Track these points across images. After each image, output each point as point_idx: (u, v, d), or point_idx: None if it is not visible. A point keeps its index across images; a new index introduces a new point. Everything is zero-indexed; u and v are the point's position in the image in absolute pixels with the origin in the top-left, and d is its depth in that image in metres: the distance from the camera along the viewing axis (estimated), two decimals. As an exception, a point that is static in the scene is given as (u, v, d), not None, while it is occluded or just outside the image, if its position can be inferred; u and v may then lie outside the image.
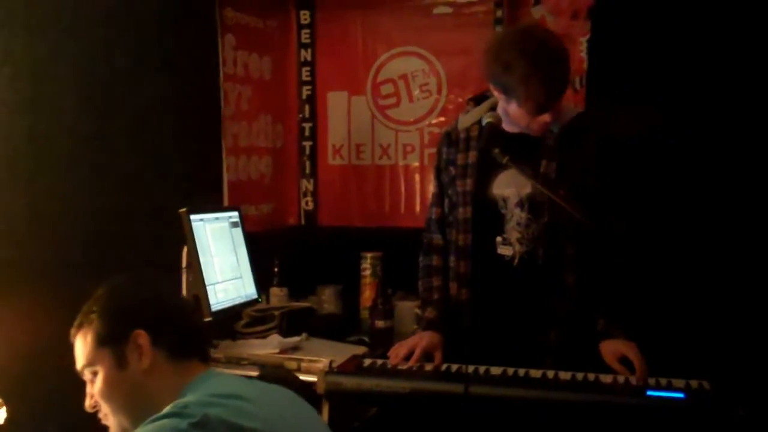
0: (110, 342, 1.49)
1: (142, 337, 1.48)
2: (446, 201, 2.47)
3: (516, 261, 2.34)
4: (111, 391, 1.50)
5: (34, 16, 2.33)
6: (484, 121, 2.31)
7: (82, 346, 1.53)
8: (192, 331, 1.57)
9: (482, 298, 2.39)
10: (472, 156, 2.39)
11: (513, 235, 2.34)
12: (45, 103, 2.37)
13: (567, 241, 2.31)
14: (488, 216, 2.36)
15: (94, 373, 1.52)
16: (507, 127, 2.34)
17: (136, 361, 1.48)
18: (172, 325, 1.53)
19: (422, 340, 2.35)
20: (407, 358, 2.32)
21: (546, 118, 2.23)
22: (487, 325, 2.37)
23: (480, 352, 2.31)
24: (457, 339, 2.40)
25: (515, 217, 2.34)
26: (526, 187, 2.32)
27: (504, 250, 2.35)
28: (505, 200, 2.35)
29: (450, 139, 2.48)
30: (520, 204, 2.33)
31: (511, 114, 2.27)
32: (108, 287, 1.56)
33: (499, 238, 2.35)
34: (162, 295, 1.58)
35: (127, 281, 1.58)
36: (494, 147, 2.22)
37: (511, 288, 2.35)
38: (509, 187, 2.34)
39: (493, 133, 2.27)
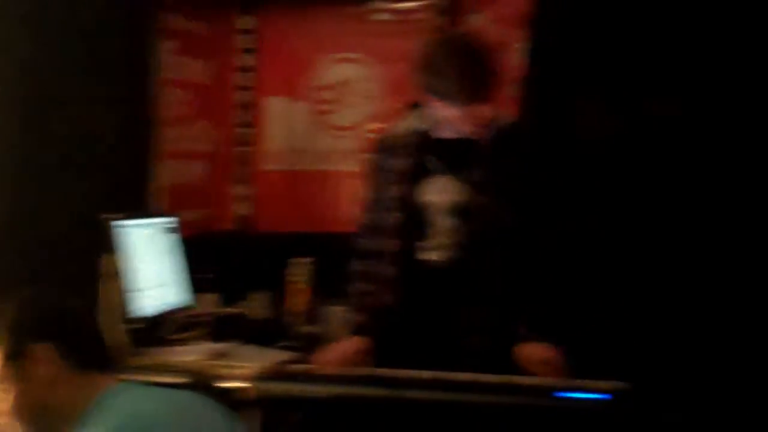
0: (11, 357, 1.48)
1: (41, 351, 1.46)
2: (376, 206, 2.46)
3: (442, 267, 2.34)
4: (18, 407, 1.49)
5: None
6: (415, 129, 2.32)
7: None
8: (94, 342, 1.55)
9: (408, 304, 2.39)
10: (404, 163, 2.40)
11: (440, 241, 2.34)
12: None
13: (493, 248, 2.33)
14: (417, 222, 2.37)
15: (4, 391, 1.50)
16: (442, 132, 2.36)
17: (38, 376, 1.46)
18: (72, 336, 1.51)
19: (350, 345, 2.36)
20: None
21: (484, 111, 2.25)
22: (413, 331, 2.37)
23: (407, 357, 2.31)
24: (384, 344, 2.39)
25: (442, 223, 2.35)
26: (455, 195, 2.33)
27: (430, 256, 2.35)
28: (433, 206, 2.36)
29: (383, 146, 2.49)
30: (448, 211, 2.35)
31: (450, 117, 2.28)
32: (6, 302, 1.54)
33: (425, 244, 2.35)
34: (62, 306, 1.56)
35: (26, 294, 1.57)
36: (426, 154, 2.23)
37: (436, 293, 2.35)
38: (438, 193, 2.36)
39: (424, 141, 2.27)
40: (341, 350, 2.37)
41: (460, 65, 2.21)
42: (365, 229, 2.51)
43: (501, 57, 2.35)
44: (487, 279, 2.33)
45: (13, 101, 2.45)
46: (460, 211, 2.33)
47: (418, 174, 2.37)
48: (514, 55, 3.23)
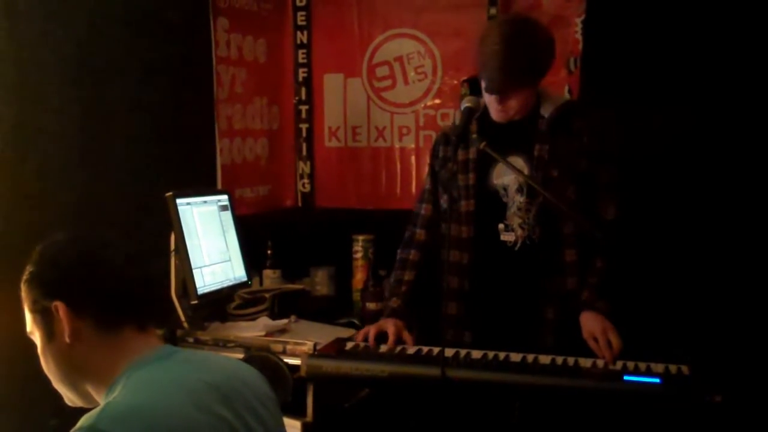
0: (38, 311, 1.44)
1: (61, 309, 1.40)
2: (445, 198, 2.49)
3: (518, 246, 2.38)
4: (45, 360, 1.47)
5: (19, 2, 2.34)
6: (463, 106, 2.32)
7: (24, 310, 1.49)
8: (125, 297, 1.44)
9: (483, 286, 2.43)
10: (473, 152, 2.43)
11: (514, 220, 2.39)
12: (30, 88, 2.38)
13: (564, 220, 2.35)
14: (491, 206, 2.41)
15: (35, 340, 1.48)
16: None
17: (61, 334, 1.42)
18: (98, 292, 1.42)
19: (389, 325, 2.40)
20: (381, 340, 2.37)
21: (503, 105, 2.28)
22: (487, 311, 2.41)
23: (480, 336, 2.37)
24: (456, 327, 2.45)
25: (515, 202, 2.38)
26: (524, 172, 2.34)
27: (507, 237, 2.39)
28: (505, 188, 2.40)
29: (447, 138, 2.51)
30: (520, 189, 2.37)
31: (487, 102, 2.32)
32: (39, 251, 1.47)
33: (501, 226, 2.40)
34: (92, 259, 1.44)
35: (58, 244, 1.47)
36: (471, 132, 2.25)
37: (511, 271, 2.39)
38: (508, 174, 2.38)
39: (484, 126, 2.27)
40: (379, 327, 2.41)
41: (496, 50, 2.21)
42: (420, 219, 2.57)
43: (552, 42, 2.30)
44: (560, 251, 2.36)
45: (73, 82, 2.51)
46: (529, 187, 2.35)
47: (485, 161, 2.40)
48: (573, 30, 3.20)
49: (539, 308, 2.37)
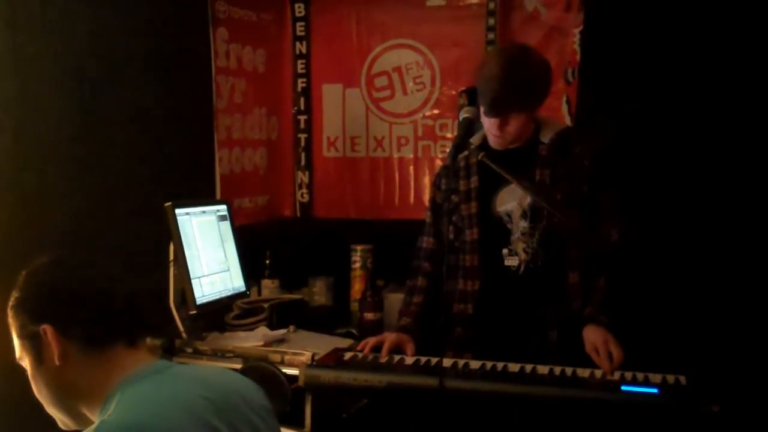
0: (26, 337, 1.44)
1: (49, 332, 1.41)
2: (450, 228, 2.50)
3: (522, 270, 2.40)
4: (36, 385, 1.47)
5: (19, 14, 2.35)
6: (461, 117, 2.33)
7: (12, 336, 1.48)
8: (111, 316, 1.44)
9: (488, 310, 2.44)
10: (474, 181, 2.47)
11: (518, 245, 2.40)
12: (31, 100, 2.39)
13: (568, 243, 2.37)
14: (495, 233, 2.43)
15: (24, 365, 1.48)
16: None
17: (51, 357, 1.42)
18: (84, 313, 1.42)
19: (390, 335, 2.44)
20: (377, 350, 2.38)
21: (501, 131, 2.32)
22: (490, 334, 2.42)
23: (481, 358, 2.36)
24: (457, 348, 2.46)
25: (520, 228, 2.40)
26: (526, 198, 2.36)
27: (510, 261, 2.41)
28: (509, 215, 2.42)
29: (448, 171, 2.55)
30: (524, 215, 2.40)
31: (485, 126, 2.36)
32: (24, 276, 1.47)
33: (505, 251, 2.42)
34: (76, 280, 1.45)
35: (42, 267, 1.47)
36: (470, 143, 2.26)
37: (515, 295, 2.40)
38: (511, 201, 2.42)
39: (468, 127, 2.29)
40: (380, 339, 2.43)
41: (489, 79, 2.27)
42: (423, 252, 2.60)
43: (549, 69, 2.37)
44: (564, 273, 2.38)
45: (73, 92, 2.51)
46: (532, 212, 2.38)
47: (487, 189, 2.44)
48: (571, 41, 3.21)
49: (543, 331, 2.38)
